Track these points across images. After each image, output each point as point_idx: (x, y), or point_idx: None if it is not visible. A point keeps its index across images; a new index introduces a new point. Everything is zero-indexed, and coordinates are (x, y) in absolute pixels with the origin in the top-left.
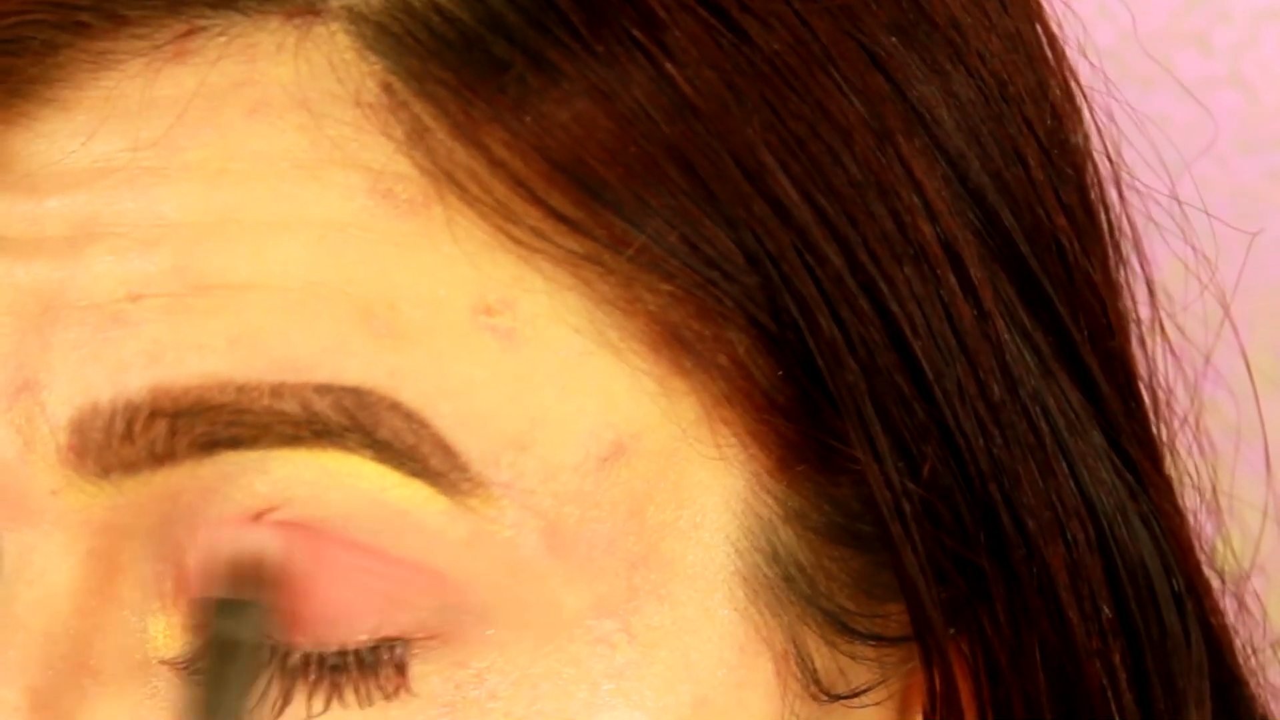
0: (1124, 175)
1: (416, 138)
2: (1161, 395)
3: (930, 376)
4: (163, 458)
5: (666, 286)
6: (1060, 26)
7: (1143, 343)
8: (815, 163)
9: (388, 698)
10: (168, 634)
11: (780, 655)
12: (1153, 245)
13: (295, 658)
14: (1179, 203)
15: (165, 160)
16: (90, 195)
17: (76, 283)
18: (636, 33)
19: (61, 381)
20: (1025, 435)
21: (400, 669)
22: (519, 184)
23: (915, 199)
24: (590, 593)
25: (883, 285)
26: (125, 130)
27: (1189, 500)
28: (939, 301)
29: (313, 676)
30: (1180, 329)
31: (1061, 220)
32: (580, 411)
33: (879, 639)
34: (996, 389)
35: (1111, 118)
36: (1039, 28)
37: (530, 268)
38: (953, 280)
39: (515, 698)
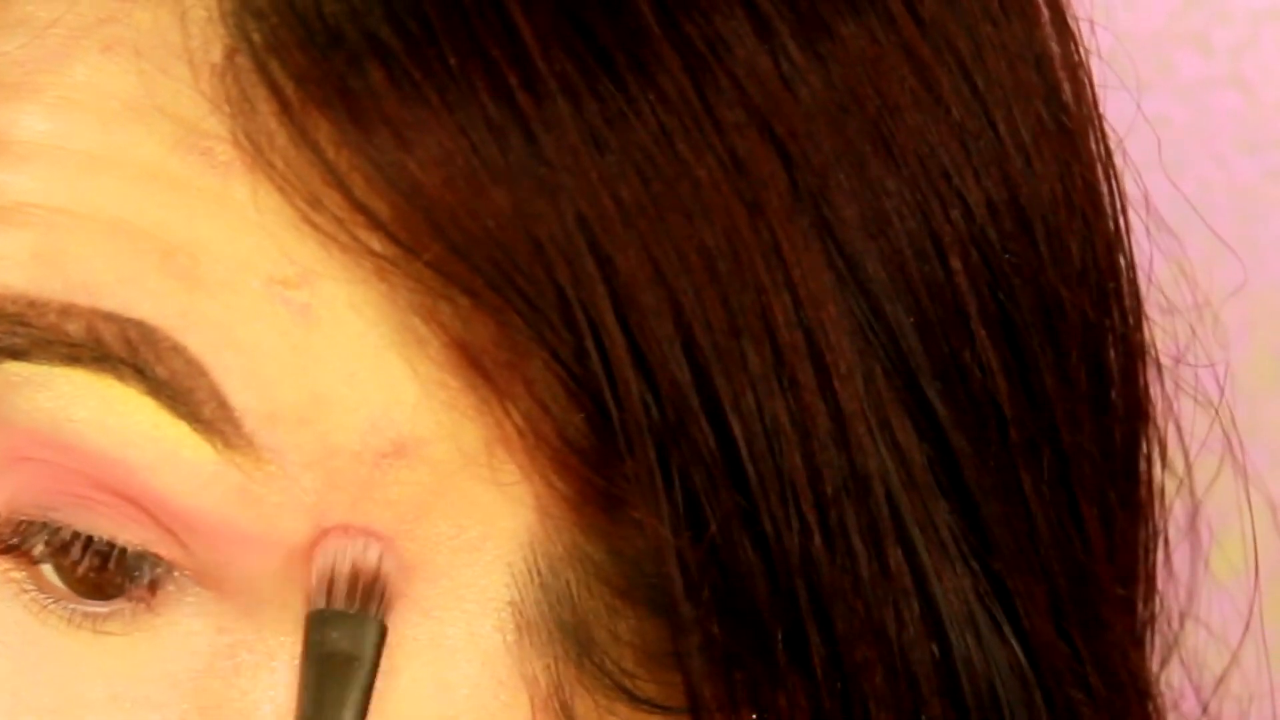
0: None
1: (242, 109)
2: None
3: (745, 458)
4: None
5: (465, 302)
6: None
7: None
8: (664, 223)
9: (134, 611)
10: None
11: (540, 700)
12: (1152, 245)
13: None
14: (1192, 206)
15: (18, 77)
16: None
17: None
18: (499, 58)
19: None
20: (860, 537)
21: (153, 588)
22: (333, 175)
23: (779, 279)
24: None
25: (711, 356)
26: None
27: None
28: (778, 384)
29: (117, 552)
30: (1198, 326)
31: (981, 328)
32: (365, 402)
33: (658, 708)
34: (830, 485)
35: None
36: (1048, 130)
37: (332, 255)
38: (804, 367)
39: (256, 678)
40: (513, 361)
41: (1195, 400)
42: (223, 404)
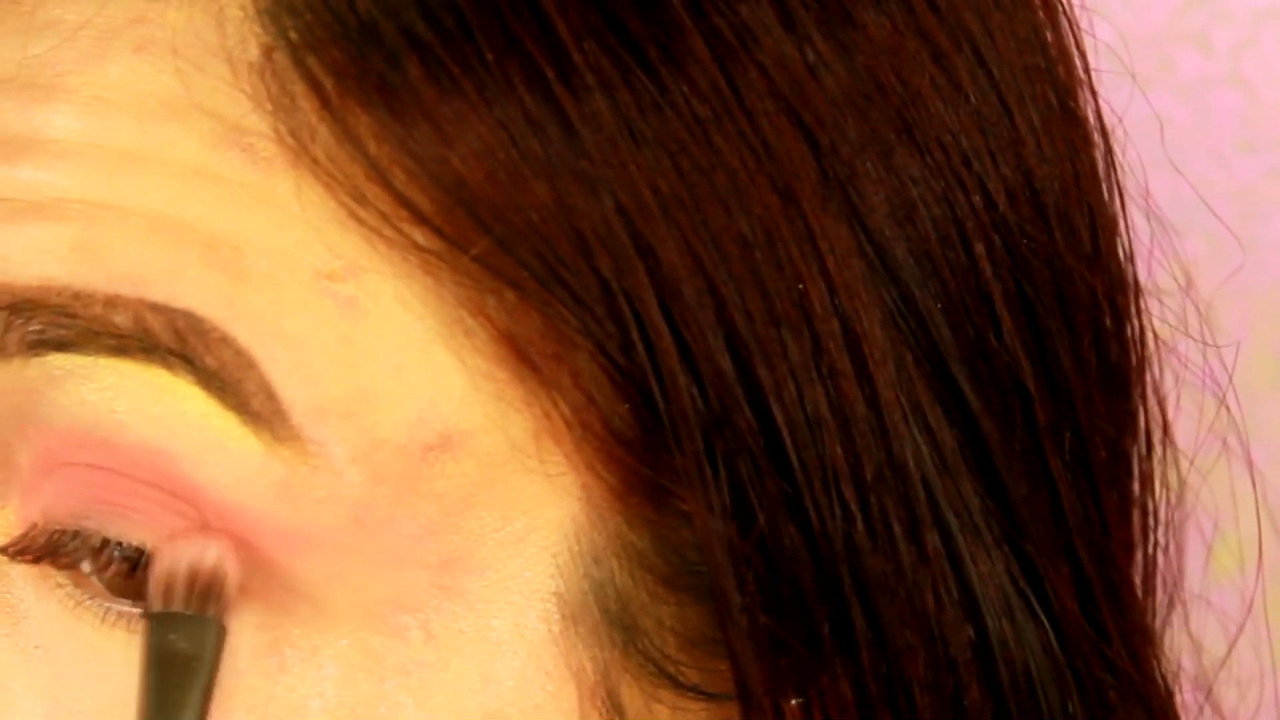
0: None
1: (282, 105)
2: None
3: (789, 446)
4: None
5: (511, 295)
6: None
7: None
8: (702, 212)
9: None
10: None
11: (588, 689)
12: (1153, 245)
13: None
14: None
15: (49, 79)
16: None
17: None
18: (535, 52)
19: None
20: (900, 523)
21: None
22: (375, 170)
23: (813, 267)
24: (394, 582)
25: (752, 345)
26: (19, 44)
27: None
28: (817, 373)
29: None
30: (1198, 323)
31: (1005, 312)
32: (412, 395)
33: (704, 695)
34: (870, 471)
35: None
36: (1055, 114)
37: (377, 249)
38: (842, 355)
39: (302, 674)
40: (559, 353)
41: (1202, 394)
42: (271, 396)
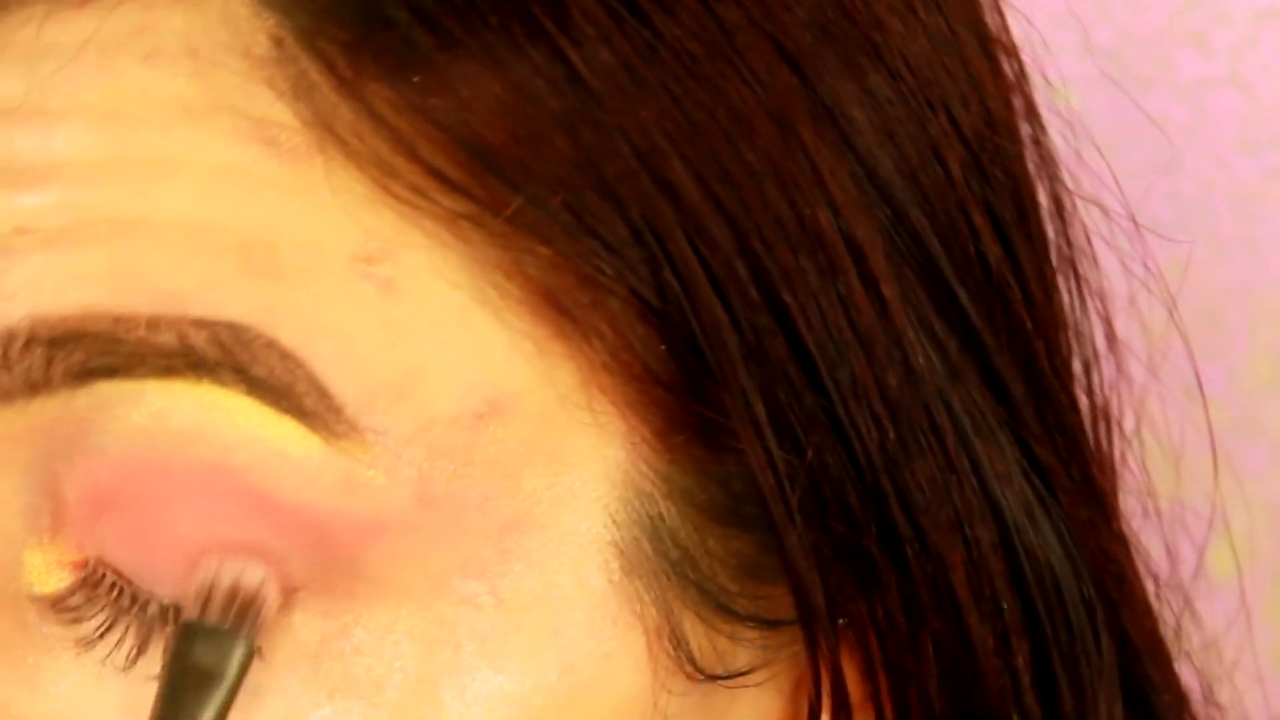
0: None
1: (301, 91)
2: (1116, 402)
3: (821, 366)
4: (39, 386)
5: (546, 250)
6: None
7: (1110, 345)
8: (711, 149)
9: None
10: (43, 569)
11: (653, 630)
12: (1153, 246)
13: (153, 608)
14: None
15: (59, 100)
16: None
17: None
18: (535, 9)
19: None
20: (924, 432)
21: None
22: (400, 142)
23: (817, 191)
24: (459, 552)
25: (775, 272)
26: (21, 72)
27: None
28: (835, 293)
29: (170, 627)
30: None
31: (982, 223)
32: (457, 366)
33: (760, 621)
34: (894, 383)
35: (1065, 132)
36: (981, 31)
37: (410, 223)
38: (852, 273)
39: (378, 654)
40: (595, 301)
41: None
42: (323, 393)
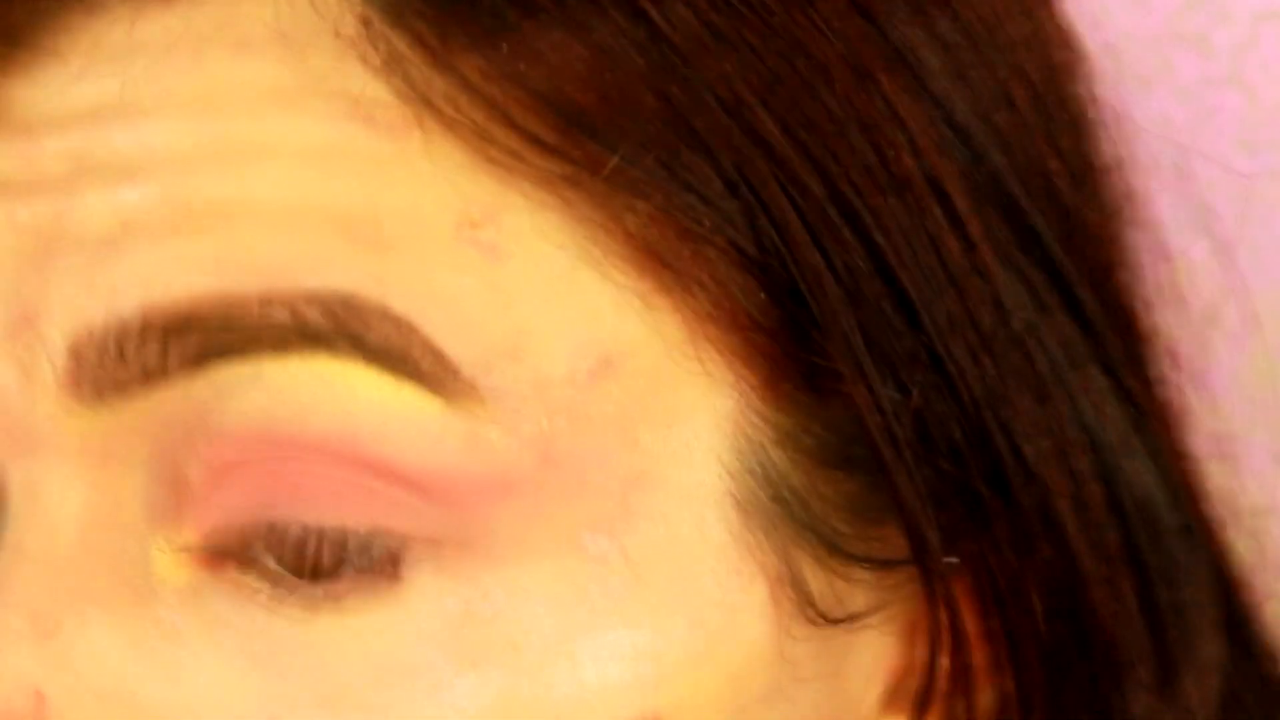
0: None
1: (394, 66)
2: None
3: (918, 304)
4: (155, 375)
5: (644, 206)
6: None
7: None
8: (793, 98)
9: (378, 595)
10: (172, 559)
11: (775, 578)
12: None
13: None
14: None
15: (153, 96)
16: (83, 133)
17: (73, 216)
18: None
19: (58, 311)
20: (1020, 365)
21: (395, 564)
22: (495, 109)
23: (898, 134)
24: (585, 510)
25: (866, 215)
26: (114, 71)
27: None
28: (924, 233)
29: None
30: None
31: (1054, 163)
32: (567, 325)
33: (874, 562)
34: (987, 319)
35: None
36: None
37: (510, 187)
38: (938, 213)
39: (515, 618)
40: (695, 253)
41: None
42: (439, 357)
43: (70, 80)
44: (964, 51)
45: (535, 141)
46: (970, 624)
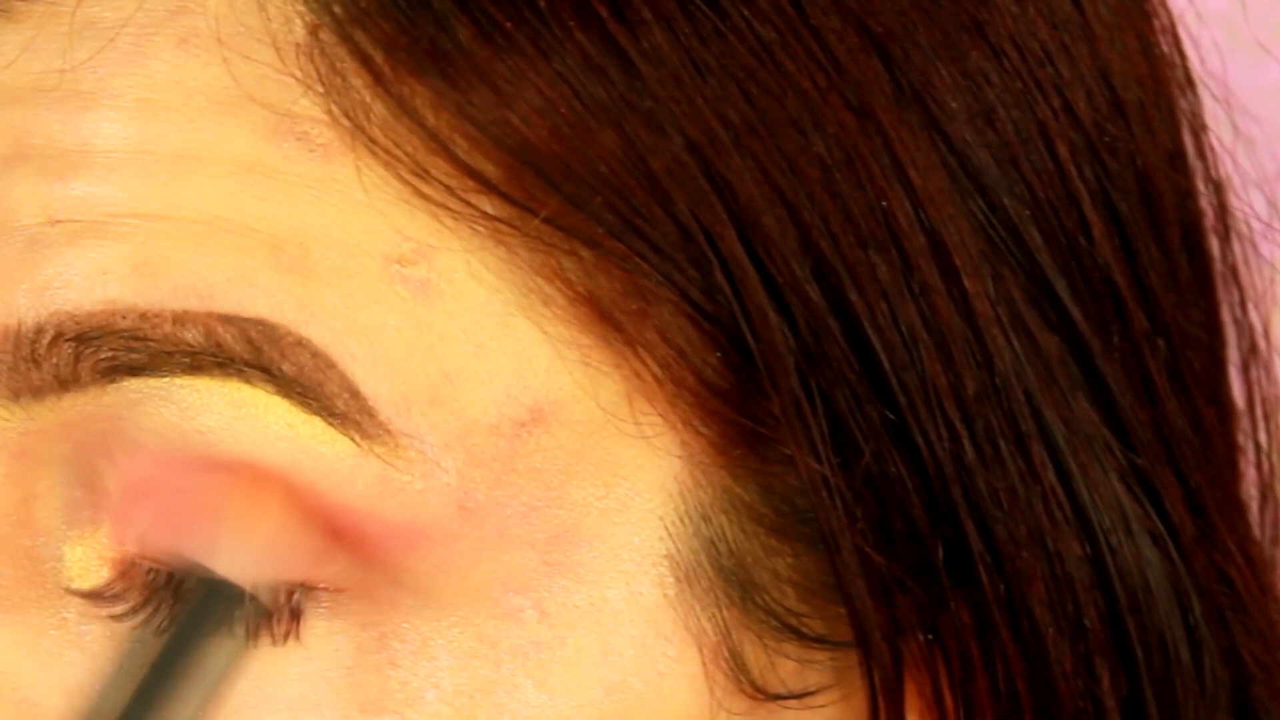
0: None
1: (334, 85)
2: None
3: (888, 370)
4: (68, 382)
5: (588, 254)
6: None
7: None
8: (775, 138)
9: (275, 642)
10: (83, 563)
11: (710, 648)
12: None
13: (189, 585)
14: None
15: (93, 84)
16: (25, 112)
17: (6, 203)
18: None
19: None
20: (1005, 439)
21: (295, 616)
22: (435, 140)
23: (894, 182)
24: (502, 564)
25: (841, 271)
26: (61, 50)
27: None
28: (908, 291)
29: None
30: None
31: (1095, 216)
32: (497, 372)
33: (827, 643)
34: (972, 387)
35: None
36: (1129, 9)
37: (445, 225)
38: (930, 269)
39: (414, 667)
40: (643, 309)
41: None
42: (355, 394)
43: (18, 48)
44: (996, 90)
45: (475, 177)
46: (918, 706)
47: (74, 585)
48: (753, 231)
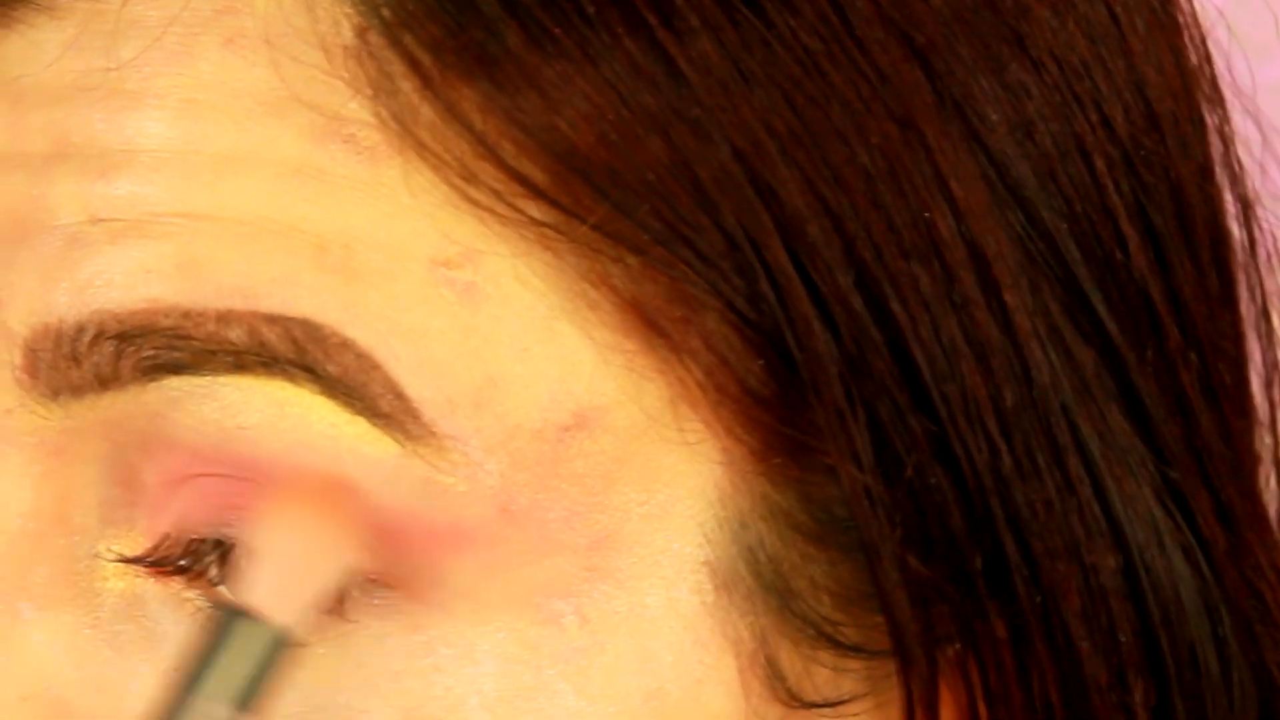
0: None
1: (382, 88)
2: None
3: (929, 381)
4: (108, 381)
5: (634, 261)
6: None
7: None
8: (820, 148)
9: (322, 632)
10: (119, 565)
11: (747, 655)
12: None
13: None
14: None
15: (138, 83)
16: (67, 111)
17: (45, 203)
18: (639, 6)
19: (21, 301)
20: (1043, 451)
21: (339, 597)
22: (483, 145)
23: (937, 194)
24: (544, 568)
25: (883, 281)
26: (105, 48)
27: None
28: (950, 302)
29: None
30: None
31: (1130, 229)
32: (541, 376)
33: (864, 651)
34: (1010, 399)
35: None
36: (1161, 23)
37: (492, 229)
38: (971, 281)
39: (459, 673)
40: (687, 316)
41: None
42: (399, 395)
43: (62, 46)
44: (1035, 102)
45: (523, 182)
46: (953, 716)
47: (109, 583)
48: (798, 241)
